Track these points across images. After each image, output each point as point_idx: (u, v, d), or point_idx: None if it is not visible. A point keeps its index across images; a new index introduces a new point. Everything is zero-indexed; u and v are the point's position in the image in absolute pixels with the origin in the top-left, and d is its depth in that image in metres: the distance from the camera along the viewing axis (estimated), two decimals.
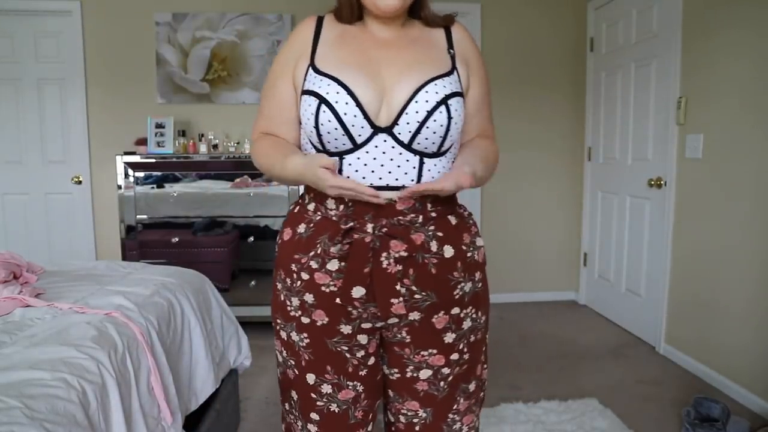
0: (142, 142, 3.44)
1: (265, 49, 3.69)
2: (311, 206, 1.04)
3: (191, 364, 1.73)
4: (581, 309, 3.92)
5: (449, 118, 0.97)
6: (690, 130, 2.79)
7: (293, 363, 1.09)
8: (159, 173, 3.25)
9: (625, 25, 3.40)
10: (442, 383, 1.07)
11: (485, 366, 1.15)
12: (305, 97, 0.99)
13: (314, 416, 1.09)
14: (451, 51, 1.05)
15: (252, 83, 3.70)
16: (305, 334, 1.05)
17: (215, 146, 3.56)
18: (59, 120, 3.71)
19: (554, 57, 3.92)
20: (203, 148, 3.46)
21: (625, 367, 2.86)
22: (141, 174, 3.23)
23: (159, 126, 3.36)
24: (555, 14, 3.89)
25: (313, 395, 1.08)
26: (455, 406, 1.09)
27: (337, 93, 0.95)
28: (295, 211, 1.08)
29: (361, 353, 1.06)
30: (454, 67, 1.03)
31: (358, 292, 0.98)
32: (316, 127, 0.97)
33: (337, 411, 1.07)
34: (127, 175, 3.22)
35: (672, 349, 2.94)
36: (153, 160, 3.26)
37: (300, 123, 1.05)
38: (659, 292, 3.05)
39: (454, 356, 1.06)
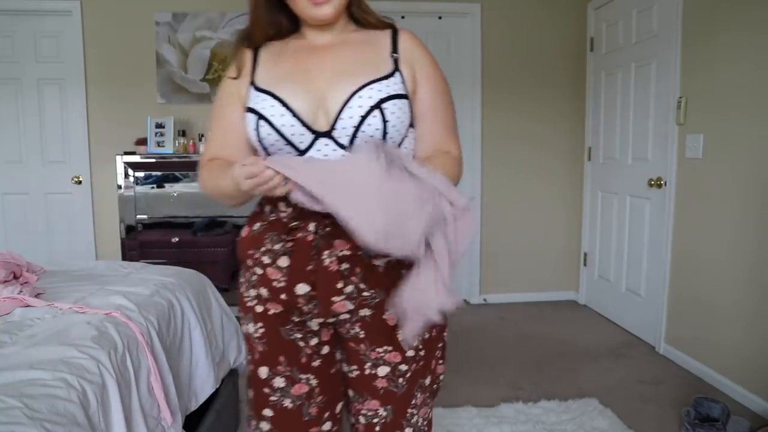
0: (142, 142, 3.44)
1: None
2: (267, 208, 1.07)
3: (191, 364, 1.73)
4: (581, 309, 3.92)
5: (384, 121, 0.98)
6: (690, 130, 2.79)
7: (249, 358, 1.11)
8: (159, 173, 3.25)
9: (625, 25, 3.40)
10: (400, 380, 1.08)
11: (441, 361, 1.16)
12: (247, 114, 1.03)
13: (267, 412, 1.09)
14: (395, 54, 1.04)
15: None
16: (260, 324, 1.08)
17: None
18: (59, 120, 3.71)
19: (554, 57, 3.92)
20: (203, 148, 3.45)
21: (625, 367, 2.86)
22: (141, 174, 3.23)
23: (159, 126, 3.36)
24: (555, 14, 3.89)
25: (266, 390, 1.08)
26: (413, 401, 1.10)
27: (272, 107, 1.00)
28: (255, 210, 1.12)
29: (314, 341, 1.07)
30: (396, 70, 1.03)
31: (302, 289, 1.00)
32: (259, 140, 1.02)
33: (290, 407, 1.08)
34: (127, 175, 3.22)
35: (672, 349, 2.94)
36: (153, 160, 3.26)
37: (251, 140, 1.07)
38: (659, 292, 3.05)
39: (410, 353, 1.07)
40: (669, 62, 2.93)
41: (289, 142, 1.00)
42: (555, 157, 4.00)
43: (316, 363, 1.08)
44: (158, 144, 3.34)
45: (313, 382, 1.08)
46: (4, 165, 3.70)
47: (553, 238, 4.06)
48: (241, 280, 1.11)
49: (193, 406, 1.70)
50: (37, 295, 1.57)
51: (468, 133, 3.91)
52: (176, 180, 3.27)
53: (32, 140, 3.71)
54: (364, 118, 0.97)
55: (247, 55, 1.08)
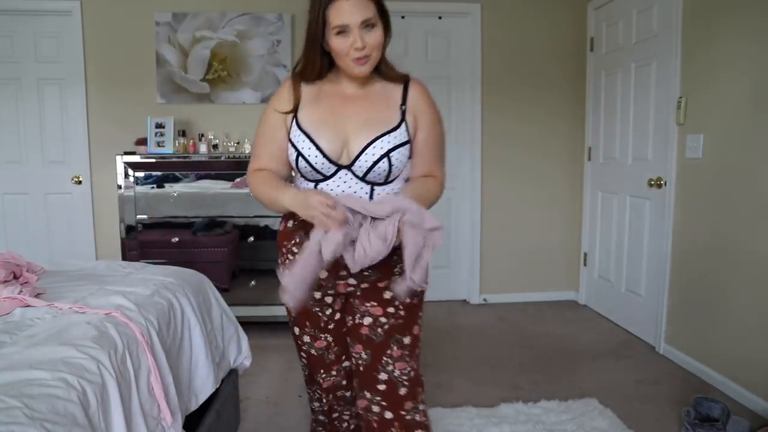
0: (142, 142, 3.44)
1: (265, 49, 3.69)
2: None
3: (191, 364, 1.73)
4: (581, 309, 3.92)
5: (390, 165, 1.33)
6: (690, 130, 2.79)
7: (290, 319, 1.53)
8: (159, 173, 3.25)
9: (625, 25, 3.40)
10: (379, 330, 1.41)
11: (421, 327, 1.48)
12: (289, 145, 1.37)
13: (303, 354, 1.57)
14: (403, 107, 1.37)
15: (252, 83, 3.70)
16: None
17: (215, 146, 3.56)
18: (59, 120, 3.71)
19: (554, 57, 3.92)
20: (203, 148, 3.46)
21: (625, 367, 2.86)
22: (141, 174, 3.23)
23: (159, 126, 3.36)
24: (555, 14, 3.89)
25: (299, 342, 1.55)
26: (389, 351, 1.41)
27: (309, 148, 1.34)
28: (289, 211, 1.40)
29: (328, 311, 1.48)
30: (402, 120, 1.36)
31: (323, 274, 1.38)
32: (297, 168, 1.38)
33: (315, 354, 1.53)
34: (127, 175, 3.22)
35: (672, 349, 2.94)
36: (153, 160, 3.26)
37: None
38: (659, 292, 3.05)
39: (390, 309, 1.41)
40: (669, 62, 2.93)
41: (318, 172, 1.34)
42: (555, 157, 4.00)
43: (330, 326, 1.49)
44: (158, 144, 3.34)
45: (330, 339, 1.51)
46: (4, 165, 3.71)
47: (553, 238, 4.06)
48: (279, 262, 1.48)
49: (193, 406, 1.70)
50: (37, 295, 1.57)
51: (467, 132, 3.91)
52: (176, 180, 3.27)
53: (32, 140, 3.71)
54: (375, 162, 1.32)
55: (298, 92, 1.38)
